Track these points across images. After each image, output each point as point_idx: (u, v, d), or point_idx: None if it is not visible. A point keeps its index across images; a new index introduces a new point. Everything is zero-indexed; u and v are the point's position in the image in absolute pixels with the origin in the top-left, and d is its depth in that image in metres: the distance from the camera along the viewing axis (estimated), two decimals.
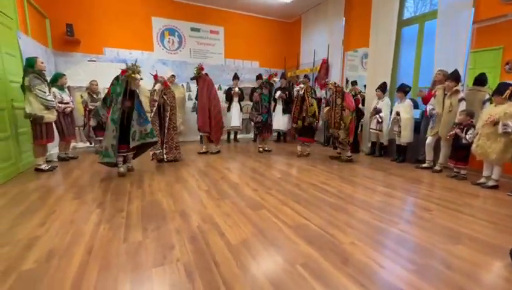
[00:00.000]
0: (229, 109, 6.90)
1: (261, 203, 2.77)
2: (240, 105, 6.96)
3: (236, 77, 6.82)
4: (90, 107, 4.96)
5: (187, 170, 4.03)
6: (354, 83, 6.18)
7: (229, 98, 6.82)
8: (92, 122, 5.01)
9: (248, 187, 3.27)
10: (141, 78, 3.53)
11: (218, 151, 5.23)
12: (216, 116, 4.91)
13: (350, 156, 4.61)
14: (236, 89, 6.77)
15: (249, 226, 2.24)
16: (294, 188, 3.24)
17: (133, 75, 3.39)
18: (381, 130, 4.96)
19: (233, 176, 3.79)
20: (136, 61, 3.73)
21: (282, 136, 7.31)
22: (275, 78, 5.25)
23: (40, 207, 2.58)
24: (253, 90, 6.91)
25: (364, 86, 5.89)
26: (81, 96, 5.06)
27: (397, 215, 2.51)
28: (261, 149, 5.57)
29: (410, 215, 2.56)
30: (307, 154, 5.05)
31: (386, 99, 4.97)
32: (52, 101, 3.77)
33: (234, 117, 6.80)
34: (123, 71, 3.41)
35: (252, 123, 5.50)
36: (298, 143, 5.07)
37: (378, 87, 4.99)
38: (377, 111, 4.97)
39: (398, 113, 4.58)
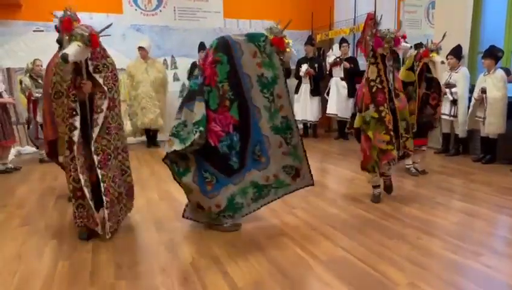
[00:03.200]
0: None
1: (281, 228, 2.81)
2: None
3: (202, 47, 6.10)
4: (36, 95, 5.16)
5: (175, 182, 4.11)
6: (419, 45, 6.09)
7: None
8: (40, 118, 5.20)
9: None
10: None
11: None
12: None
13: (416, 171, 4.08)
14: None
15: (263, 262, 2.29)
16: (329, 206, 3.27)
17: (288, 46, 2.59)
18: (456, 116, 4.89)
19: None
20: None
21: (310, 129, 7.31)
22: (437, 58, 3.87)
23: None
24: None
25: None
26: (20, 82, 5.24)
27: (481, 243, 2.49)
28: (412, 168, 4.26)
29: (500, 243, 2.53)
30: (422, 171, 4.22)
31: (463, 70, 4.89)
32: None
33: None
34: (278, 39, 2.59)
35: None
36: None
37: (451, 52, 4.91)
38: (450, 86, 4.89)
39: (483, 90, 4.49)
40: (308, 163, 2.81)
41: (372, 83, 3.13)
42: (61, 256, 2.43)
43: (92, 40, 2.46)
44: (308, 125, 7.20)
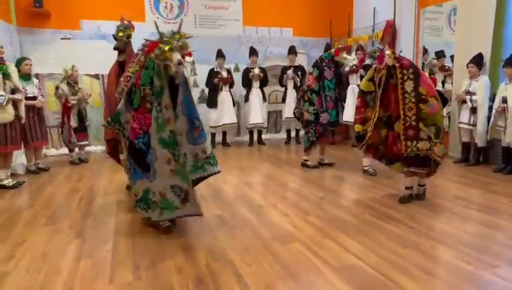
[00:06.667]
0: (247, 99, 7.08)
1: (294, 233, 2.85)
2: (263, 92, 7.10)
3: (254, 53, 6.91)
4: (72, 102, 5.37)
5: None
6: (440, 53, 6.04)
7: (247, 83, 6.98)
8: (73, 123, 5.43)
9: (276, 211, 3.37)
10: (192, 61, 2.79)
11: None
12: None
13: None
14: (257, 70, 6.90)
15: (276, 266, 2.33)
16: (342, 213, 3.28)
17: (169, 54, 2.59)
18: (475, 125, 4.82)
19: (255, 195, 3.91)
20: (180, 25, 2.76)
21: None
22: (344, 55, 4.73)
23: (5, 236, 2.90)
24: (284, 70, 7.05)
25: (452, 57, 5.75)
26: (57, 88, 5.45)
27: (498, 255, 2.45)
28: (316, 163, 5.14)
29: None
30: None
31: (483, 79, 4.82)
32: (1, 96, 4.03)
33: (255, 110, 6.93)
34: (152, 45, 2.67)
35: (301, 122, 5.17)
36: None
37: (472, 61, 4.85)
38: (470, 94, 4.83)
39: (504, 100, 4.42)
40: (193, 190, 2.79)
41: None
42: (83, 255, 2.55)
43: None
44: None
